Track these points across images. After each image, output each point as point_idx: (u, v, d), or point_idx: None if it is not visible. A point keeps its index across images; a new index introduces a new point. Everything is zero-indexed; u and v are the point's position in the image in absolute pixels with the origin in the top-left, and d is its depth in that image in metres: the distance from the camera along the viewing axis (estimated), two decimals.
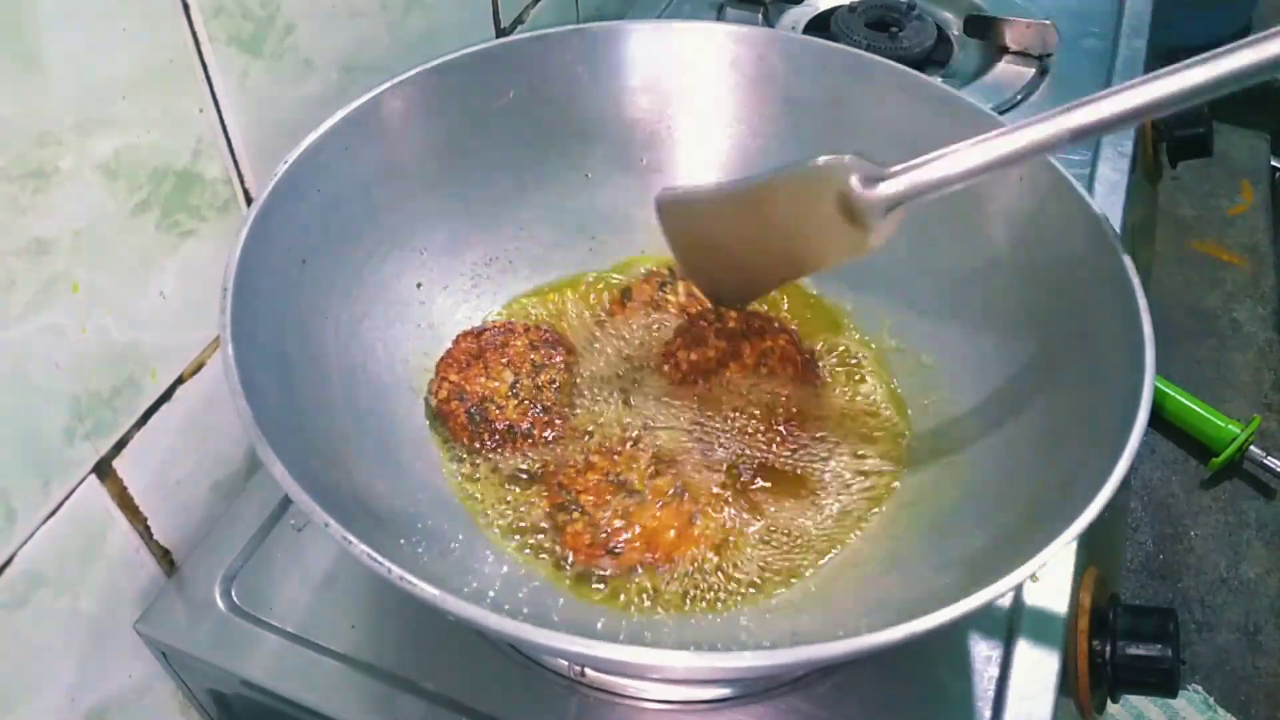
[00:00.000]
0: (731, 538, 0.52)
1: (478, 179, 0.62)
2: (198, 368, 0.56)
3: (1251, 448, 1.00)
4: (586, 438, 0.56)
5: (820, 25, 0.93)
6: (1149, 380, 0.43)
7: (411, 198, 0.59)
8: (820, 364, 0.61)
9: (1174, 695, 0.55)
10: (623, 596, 0.50)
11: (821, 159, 0.48)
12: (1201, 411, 1.01)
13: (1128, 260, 0.47)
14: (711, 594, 0.50)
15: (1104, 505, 0.38)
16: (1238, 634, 0.91)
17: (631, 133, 0.65)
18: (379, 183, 0.57)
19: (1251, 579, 0.94)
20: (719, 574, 0.51)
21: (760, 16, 0.95)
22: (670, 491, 0.53)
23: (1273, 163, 1.32)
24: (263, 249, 0.48)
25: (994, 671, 0.51)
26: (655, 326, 0.62)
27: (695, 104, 0.65)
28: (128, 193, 0.49)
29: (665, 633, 0.48)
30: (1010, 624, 0.53)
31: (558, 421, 0.57)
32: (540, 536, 0.52)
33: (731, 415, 0.57)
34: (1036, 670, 0.51)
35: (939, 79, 0.61)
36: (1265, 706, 0.87)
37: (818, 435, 0.57)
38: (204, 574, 0.56)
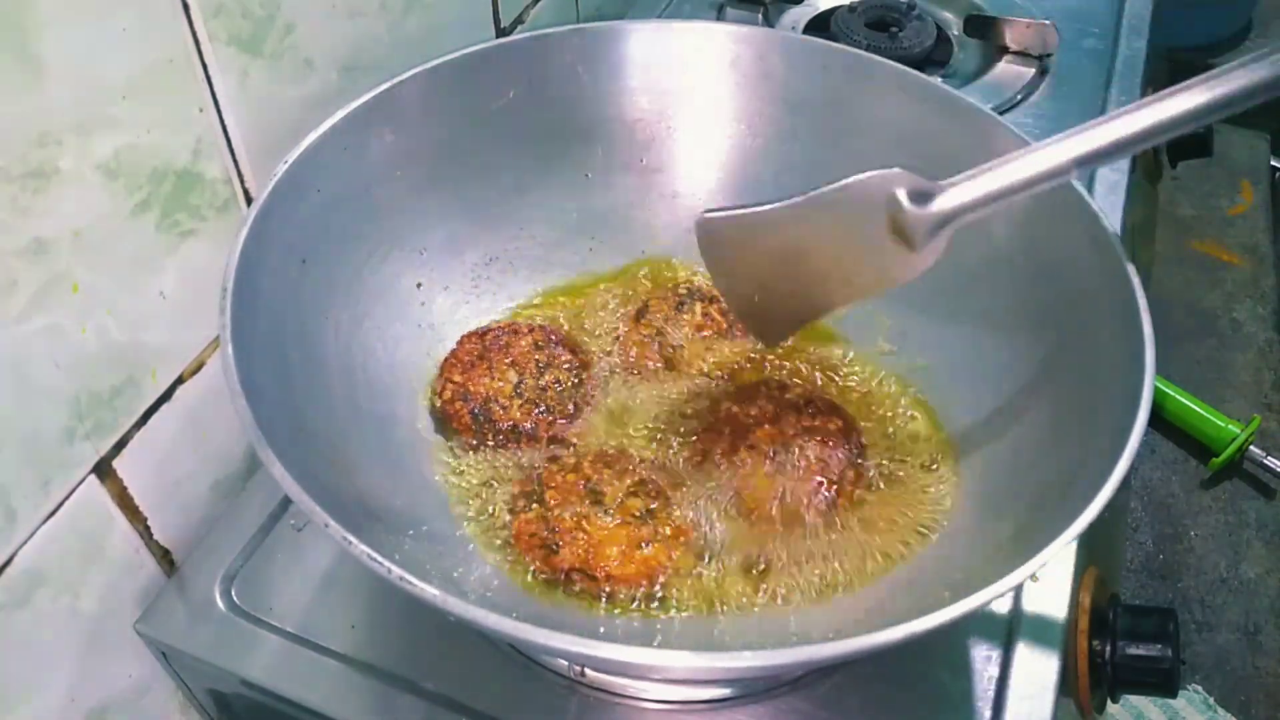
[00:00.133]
0: (684, 569, 0.50)
1: (478, 179, 0.62)
2: (198, 368, 0.56)
3: (1251, 448, 1.00)
4: (586, 445, 0.56)
5: (820, 25, 0.93)
6: (1149, 380, 0.43)
7: (411, 198, 0.59)
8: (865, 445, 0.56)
9: (1174, 695, 0.55)
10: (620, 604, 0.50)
11: (868, 173, 0.44)
12: (1201, 411, 1.01)
13: (1128, 260, 0.47)
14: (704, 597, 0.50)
15: (1104, 505, 0.38)
16: (1238, 634, 0.91)
17: (631, 133, 0.65)
18: (379, 182, 0.57)
19: (1251, 579, 0.94)
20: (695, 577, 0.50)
21: (760, 16, 0.95)
22: (636, 514, 0.51)
23: (1273, 163, 1.32)
24: (263, 249, 0.48)
25: (994, 671, 0.51)
26: (677, 352, 0.61)
27: (695, 104, 0.65)
28: (128, 193, 0.49)
29: (669, 634, 0.48)
30: (1010, 624, 0.53)
31: (561, 423, 0.57)
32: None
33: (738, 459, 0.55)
34: (1036, 670, 0.51)
35: (939, 79, 0.60)
36: (1265, 706, 0.87)
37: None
38: (204, 574, 0.56)
